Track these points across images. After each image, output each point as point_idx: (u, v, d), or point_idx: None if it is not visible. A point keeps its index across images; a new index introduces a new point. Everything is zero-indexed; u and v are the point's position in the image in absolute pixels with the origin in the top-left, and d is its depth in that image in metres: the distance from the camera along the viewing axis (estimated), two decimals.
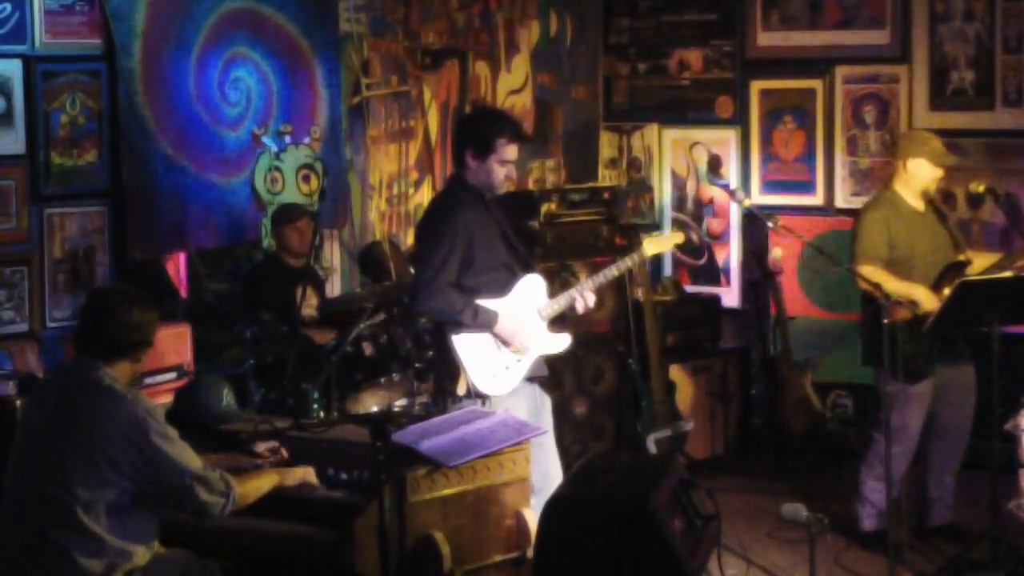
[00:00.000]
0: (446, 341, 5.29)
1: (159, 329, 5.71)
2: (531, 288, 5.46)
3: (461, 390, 5.27)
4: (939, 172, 6.08)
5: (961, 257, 6.05)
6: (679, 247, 7.64)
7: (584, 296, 5.54)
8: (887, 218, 6.08)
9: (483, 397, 5.27)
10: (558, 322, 5.57)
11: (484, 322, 5.26)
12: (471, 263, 5.28)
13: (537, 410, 5.52)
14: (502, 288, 5.37)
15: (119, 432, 4.01)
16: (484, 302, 5.29)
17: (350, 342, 5.56)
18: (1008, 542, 5.66)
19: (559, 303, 5.50)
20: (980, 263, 6.08)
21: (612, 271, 5.69)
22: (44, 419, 4.12)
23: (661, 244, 5.98)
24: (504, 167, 5.37)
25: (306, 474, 4.54)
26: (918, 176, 6.07)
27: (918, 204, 6.12)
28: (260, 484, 4.35)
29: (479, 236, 5.30)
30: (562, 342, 5.53)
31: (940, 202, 6.37)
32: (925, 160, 6.04)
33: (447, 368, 5.33)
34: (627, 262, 5.78)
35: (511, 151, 5.37)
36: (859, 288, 6.01)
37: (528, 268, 5.52)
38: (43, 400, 4.21)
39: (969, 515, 6.24)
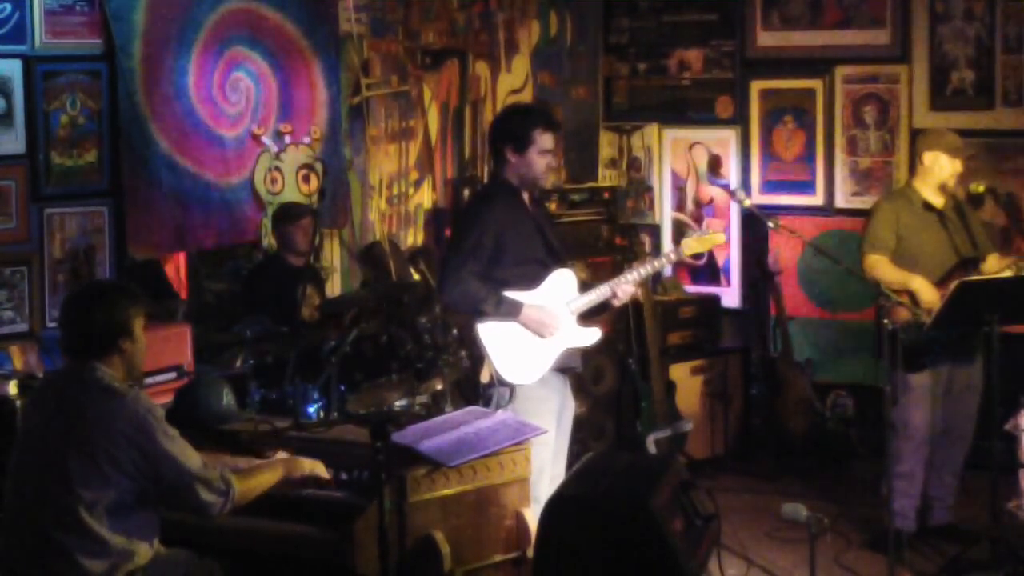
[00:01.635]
0: (472, 331, 5.35)
1: (160, 329, 5.82)
2: (561, 282, 5.50)
3: (484, 378, 5.32)
4: (956, 165, 6.08)
5: (977, 258, 6.03)
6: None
7: (618, 292, 5.53)
8: (898, 210, 6.12)
9: (509, 386, 5.31)
10: (588, 317, 5.59)
11: (507, 311, 5.32)
12: (501, 256, 5.36)
13: (563, 406, 5.55)
14: (532, 281, 5.42)
15: (120, 431, 4.01)
16: (512, 294, 5.35)
17: (350, 342, 5.56)
18: (1008, 542, 5.66)
19: (589, 298, 5.53)
20: (995, 265, 6.07)
21: (647, 268, 5.68)
22: (44, 420, 4.12)
23: (701, 244, 5.90)
24: (544, 157, 5.47)
25: (314, 466, 4.53)
26: (935, 169, 6.09)
27: (936, 200, 6.12)
28: (263, 480, 4.33)
29: (511, 230, 5.38)
30: (591, 336, 5.55)
31: (966, 202, 6.35)
32: (941, 152, 6.06)
33: (474, 357, 5.40)
34: (663, 260, 5.86)
35: (548, 140, 5.47)
36: (867, 279, 6.01)
37: (562, 263, 5.56)
38: (43, 401, 4.21)
39: (969, 515, 6.24)
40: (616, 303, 5.60)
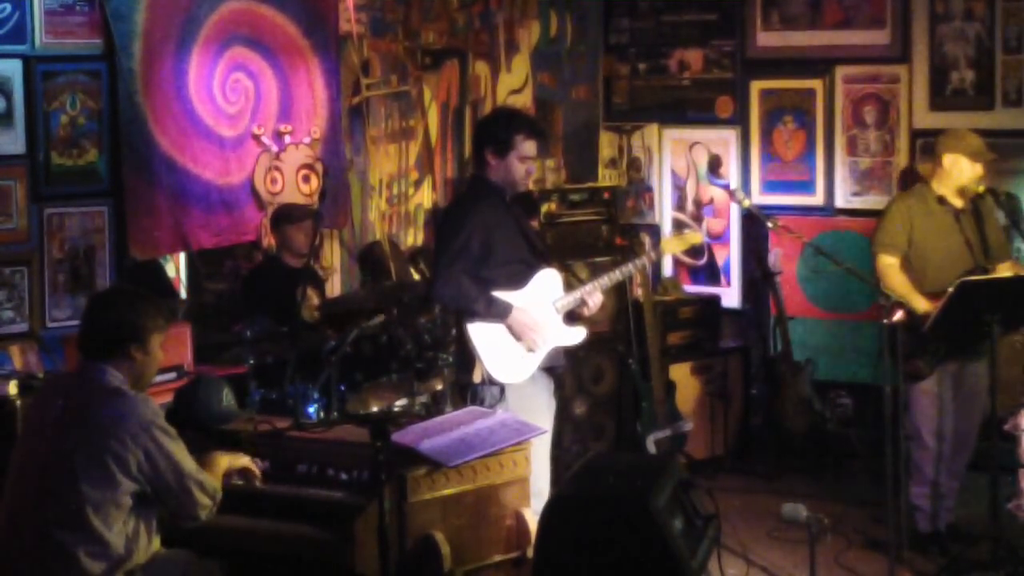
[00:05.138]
0: (462, 330, 5.36)
1: None
2: (547, 282, 5.56)
3: (476, 378, 5.35)
4: (977, 169, 6.02)
5: (988, 267, 5.99)
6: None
7: (594, 293, 5.63)
8: (911, 209, 6.08)
9: (499, 385, 5.34)
10: (573, 317, 5.63)
11: (497, 312, 5.36)
12: (488, 256, 5.40)
13: (549, 404, 5.57)
14: (519, 281, 5.47)
15: (127, 432, 4.03)
16: (501, 294, 5.38)
17: (350, 342, 5.56)
18: (1008, 542, 5.66)
19: (574, 297, 5.59)
20: (1010, 272, 6.03)
21: (628, 268, 5.81)
22: (50, 419, 4.13)
23: (680, 244, 6.00)
24: (523, 163, 5.52)
25: (235, 460, 4.56)
26: (954, 172, 6.03)
27: (954, 202, 6.07)
28: (216, 473, 4.40)
29: (497, 231, 5.43)
30: (577, 335, 5.63)
31: (987, 205, 6.21)
32: (961, 156, 6.00)
33: (462, 357, 5.40)
34: (643, 260, 5.88)
35: (529, 147, 5.52)
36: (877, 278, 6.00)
37: (547, 263, 5.61)
38: (48, 401, 4.21)
39: (969, 515, 6.24)
40: (592, 307, 5.63)
